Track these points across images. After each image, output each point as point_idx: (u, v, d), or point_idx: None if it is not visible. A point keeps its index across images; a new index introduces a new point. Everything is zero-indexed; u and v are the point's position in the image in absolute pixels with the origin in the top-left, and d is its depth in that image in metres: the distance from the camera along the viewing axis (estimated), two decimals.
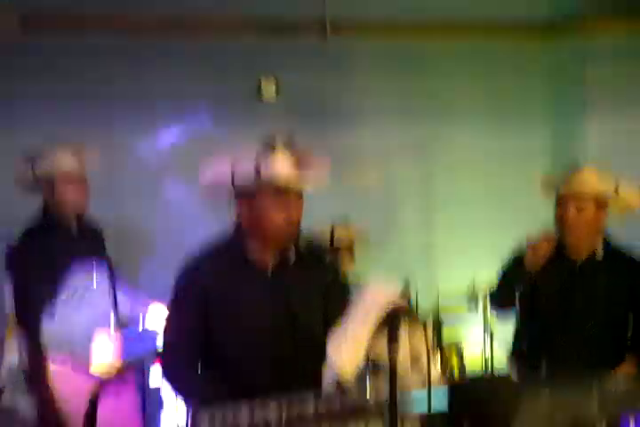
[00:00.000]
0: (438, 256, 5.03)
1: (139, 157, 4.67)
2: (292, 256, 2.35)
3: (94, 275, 3.30)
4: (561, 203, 2.91)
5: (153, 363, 4.03)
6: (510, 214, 4.92)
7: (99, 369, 3.16)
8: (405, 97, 5.00)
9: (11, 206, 3.65)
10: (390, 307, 1.72)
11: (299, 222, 2.32)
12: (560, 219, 2.90)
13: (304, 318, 2.33)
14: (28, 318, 3.15)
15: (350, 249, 4.00)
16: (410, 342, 1.76)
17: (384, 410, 1.76)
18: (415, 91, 5.00)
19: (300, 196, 2.30)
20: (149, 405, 4.15)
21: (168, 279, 3.47)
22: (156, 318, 3.52)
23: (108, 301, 3.38)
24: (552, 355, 2.77)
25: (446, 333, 4.24)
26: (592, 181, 2.85)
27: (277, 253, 2.32)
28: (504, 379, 2.23)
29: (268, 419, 1.78)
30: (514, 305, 2.99)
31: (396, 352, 1.70)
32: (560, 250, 2.94)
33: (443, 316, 4.24)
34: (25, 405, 3.35)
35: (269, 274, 2.34)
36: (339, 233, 3.97)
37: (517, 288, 2.94)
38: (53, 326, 3.15)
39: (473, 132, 5.14)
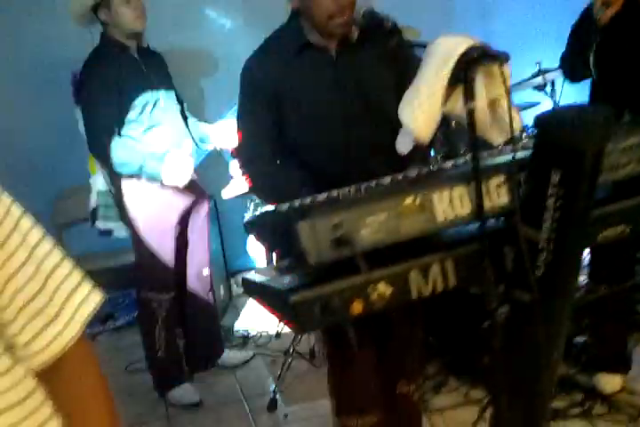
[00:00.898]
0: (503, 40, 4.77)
1: None
2: (354, 34, 2.22)
3: (162, 96, 3.31)
4: None
5: None
6: None
7: (173, 180, 3.21)
8: None
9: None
10: (465, 49, 1.58)
11: (352, 7, 2.15)
12: None
13: (375, 96, 2.24)
14: (100, 144, 3.17)
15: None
16: (488, 87, 1.64)
17: (466, 168, 1.69)
18: None
19: None
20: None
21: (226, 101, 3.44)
22: (223, 135, 3.52)
23: (181, 122, 3.41)
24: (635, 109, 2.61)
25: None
26: None
27: (337, 34, 2.19)
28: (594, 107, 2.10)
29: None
30: (587, 68, 2.80)
31: (473, 100, 1.60)
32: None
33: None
34: (118, 227, 3.47)
35: (333, 54, 2.23)
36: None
37: (589, 46, 2.73)
38: (124, 150, 3.17)
39: None
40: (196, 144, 3.51)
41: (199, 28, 4.55)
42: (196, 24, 4.55)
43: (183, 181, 3.23)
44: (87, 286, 1.09)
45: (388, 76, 2.25)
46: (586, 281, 2.54)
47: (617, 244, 1.73)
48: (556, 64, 3.99)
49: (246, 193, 3.74)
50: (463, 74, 1.60)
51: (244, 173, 2.40)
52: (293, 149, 2.28)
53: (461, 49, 1.62)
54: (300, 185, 2.15)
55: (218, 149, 3.63)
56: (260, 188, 2.38)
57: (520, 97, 4.27)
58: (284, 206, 1.67)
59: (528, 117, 4.35)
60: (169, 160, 3.19)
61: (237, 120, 2.36)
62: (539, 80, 4.07)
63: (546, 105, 4.25)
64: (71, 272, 1.07)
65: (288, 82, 2.22)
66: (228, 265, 4.59)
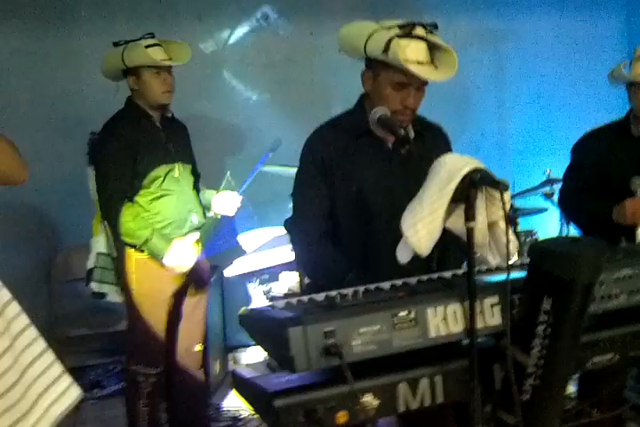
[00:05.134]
0: (512, 151, 4.92)
1: (208, 53, 4.60)
2: (411, 133, 2.33)
3: (178, 167, 3.37)
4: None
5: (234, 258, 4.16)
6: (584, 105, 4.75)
7: (174, 266, 3.25)
8: None
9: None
10: (469, 171, 1.65)
11: (415, 111, 2.30)
12: None
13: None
14: (110, 207, 3.20)
15: None
16: (487, 209, 1.70)
17: (462, 282, 1.73)
18: None
19: (423, 86, 2.25)
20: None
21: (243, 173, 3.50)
22: (227, 204, 3.56)
23: (191, 194, 3.46)
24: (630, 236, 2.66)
25: (522, 223, 4.17)
26: None
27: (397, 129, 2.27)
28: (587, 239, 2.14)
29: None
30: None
31: (473, 220, 1.65)
32: (629, 132, 2.80)
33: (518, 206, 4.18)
34: (113, 291, 3.47)
35: (390, 147, 2.34)
36: None
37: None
38: (133, 221, 3.21)
39: (546, 19, 4.91)
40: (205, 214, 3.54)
41: (224, 100, 4.65)
42: (222, 95, 4.65)
43: (183, 270, 3.27)
44: (65, 382, 1.05)
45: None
46: (575, 401, 2.52)
47: (607, 370, 1.74)
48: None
49: (250, 272, 3.77)
50: (465, 194, 1.66)
51: (293, 246, 2.46)
52: (338, 230, 2.35)
53: (466, 170, 1.69)
54: (345, 270, 2.22)
55: (218, 216, 3.59)
56: (306, 263, 2.45)
57: (528, 202, 4.36)
58: (280, 304, 1.70)
59: (534, 222, 4.48)
60: (175, 246, 3.22)
61: (294, 193, 2.43)
62: (547, 188, 4.15)
63: (553, 212, 4.32)
64: (51, 365, 1.04)
65: (343, 165, 2.31)
66: (227, 339, 4.53)
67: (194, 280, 3.47)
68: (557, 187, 4.10)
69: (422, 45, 2.20)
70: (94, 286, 3.46)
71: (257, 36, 4.62)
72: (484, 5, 4.85)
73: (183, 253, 3.24)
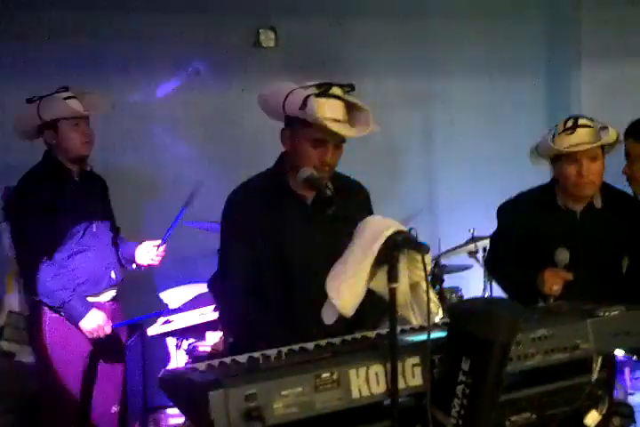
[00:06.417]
0: (439, 210, 5.05)
1: (136, 106, 4.57)
2: (330, 190, 2.35)
3: (96, 223, 3.31)
4: (567, 159, 2.77)
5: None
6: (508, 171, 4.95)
7: (91, 332, 3.19)
8: (405, 44, 4.96)
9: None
10: (392, 233, 1.68)
11: (333, 167, 2.36)
12: (571, 175, 2.77)
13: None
14: (28, 264, 3.14)
15: None
16: (410, 270, 1.73)
17: (385, 342, 1.74)
18: (415, 36, 4.98)
19: (341, 143, 2.32)
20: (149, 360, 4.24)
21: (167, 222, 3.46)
22: (145, 255, 3.50)
23: (110, 250, 3.41)
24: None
25: (447, 280, 4.25)
26: (591, 133, 2.76)
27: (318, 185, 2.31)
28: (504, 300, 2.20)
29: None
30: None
31: (397, 282, 1.68)
32: (555, 203, 2.89)
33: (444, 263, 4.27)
34: (23, 351, 3.37)
35: (309, 204, 2.38)
36: None
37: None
38: (52, 281, 3.14)
39: (472, 82, 5.13)
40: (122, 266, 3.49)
41: (151, 153, 4.59)
42: (149, 149, 4.59)
43: (100, 335, 3.21)
44: None
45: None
46: None
47: None
48: (488, 231, 4.25)
49: (172, 332, 3.71)
50: (388, 256, 1.70)
51: (217, 304, 2.46)
52: (262, 287, 2.35)
53: (388, 232, 1.73)
54: (270, 327, 2.25)
55: (138, 268, 3.56)
56: (231, 320, 2.46)
57: (454, 260, 4.45)
58: (201, 366, 1.67)
59: (459, 280, 4.56)
60: (93, 312, 3.17)
61: (219, 251, 2.43)
62: (471, 247, 4.26)
63: (477, 270, 4.42)
64: None
65: (264, 224, 2.34)
66: (147, 401, 4.42)
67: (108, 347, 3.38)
68: (481, 244, 4.25)
69: (339, 104, 2.28)
70: (4, 344, 3.36)
71: (187, 91, 4.63)
72: (412, 67, 5.02)
73: (101, 320, 3.19)
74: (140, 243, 3.53)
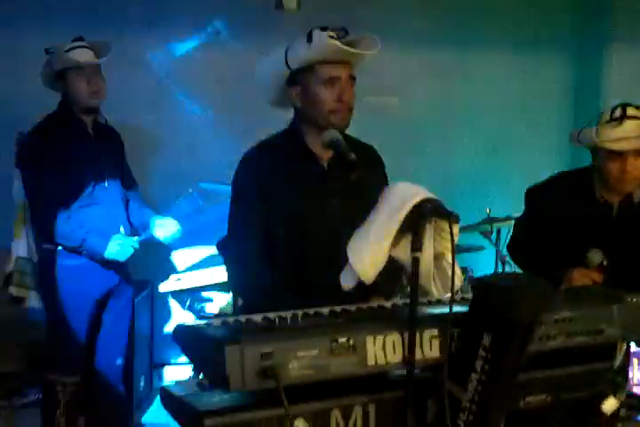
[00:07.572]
0: (456, 185, 4.97)
1: (153, 69, 4.52)
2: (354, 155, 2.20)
3: (107, 173, 3.31)
4: (611, 154, 2.60)
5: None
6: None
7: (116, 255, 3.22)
8: (434, 11, 4.85)
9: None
10: (420, 201, 1.64)
11: (350, 108, 2.29)
12: (613, 170, 2.61)
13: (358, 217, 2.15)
14: (43, 210, 3.15)
15: None
16: (435, 240, 1.70)
17: (402, 313, 1.71)
18: (442, 16, 4.86)
19: (353, 80, 2.28)
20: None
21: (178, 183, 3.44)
22: (162, 230, 3.51)
23: (120, 207, 3.41)
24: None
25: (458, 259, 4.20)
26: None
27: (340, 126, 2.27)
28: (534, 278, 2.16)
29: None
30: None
31: (420, 250, 1.64)
32: (591, 193, 2.74)
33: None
34: (32, 296, 3.39)
35: (325, 167, 2.33)
36: None
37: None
38: (67, 223, 3.14)
39: (497, 56, 5.04)
40: (131, 229, 3.48)
41: (168, 112, 4.56)
42: (166, 108, 4.55)
43: (124, 257, 3.24)
44: None
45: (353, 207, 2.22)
46: None
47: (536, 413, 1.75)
48: (504, 213, 4.19)
49: (181, 290, 3.71)
50: (414, 224, 1.66)
51: (227, 267, 2.44)
52: (274, 252, 2.30)
53: (416, 200, 1.69)
54: (282, 291, 2.20)
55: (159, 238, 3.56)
56: (241, 284, 2.39)
57: (466, 240, 4.40)
58: (218, 322, 1.65)
59: (470, 260, 4.52)
60: (114, 242, 3.21)
61: (229, 214, 2.38)
62: (486, 227, 4.20)
63: (489, 251, 4.38)
64: None
65: (277, 187, 2.28)
66: (154, 356, 4.40)
67: (119, 280, 3.40)
68: (496, 226, 4.19)
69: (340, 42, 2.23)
70: (13, 289, 3.38)
71: (206, 51, 4.57)
72: (439, 37, 4.92)
73: (123, 245, 3.22)
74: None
